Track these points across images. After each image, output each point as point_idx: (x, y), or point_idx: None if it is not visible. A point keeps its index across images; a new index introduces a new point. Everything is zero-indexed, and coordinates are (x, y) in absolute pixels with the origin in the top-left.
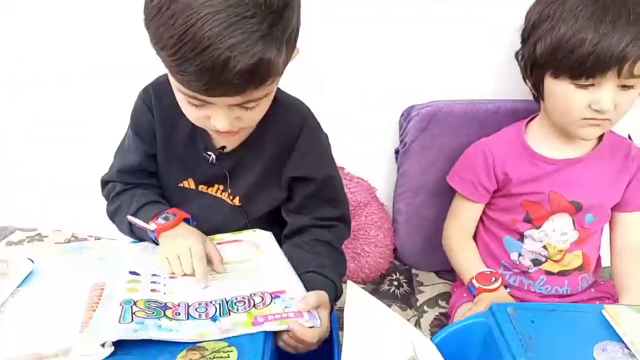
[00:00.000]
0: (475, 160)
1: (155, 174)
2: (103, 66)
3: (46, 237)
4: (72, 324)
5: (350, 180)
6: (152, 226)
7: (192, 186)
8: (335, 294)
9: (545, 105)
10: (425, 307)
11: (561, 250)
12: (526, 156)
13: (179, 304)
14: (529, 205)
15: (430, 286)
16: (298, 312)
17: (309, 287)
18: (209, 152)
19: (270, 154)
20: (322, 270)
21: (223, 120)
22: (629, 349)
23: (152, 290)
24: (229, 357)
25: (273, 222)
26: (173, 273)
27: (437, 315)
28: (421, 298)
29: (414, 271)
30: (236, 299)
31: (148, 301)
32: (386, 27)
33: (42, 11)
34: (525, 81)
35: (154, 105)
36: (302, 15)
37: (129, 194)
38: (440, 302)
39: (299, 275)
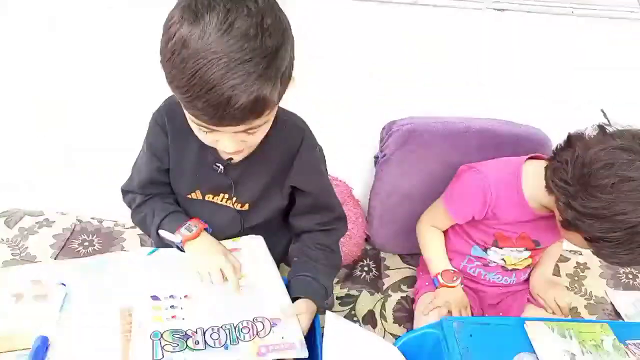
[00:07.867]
0: (474, 196)
1: (169, 183)
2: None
3: (53, 222)
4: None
5: (331, 181)
6: (178, 238)
7: (199, 197)
8: (326, 294)
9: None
10: (389, 292)
11: (515, 263)
12: (518, 203)
13: (196, 330)
14: (500, 236)
15: (395, 270)
16: (291, 344)
17: (301, 290)
18: (217, 164)
19: (274, 166)
20: (315, 275)
21: (230, 145)
22: None
23: (173, 317)
24: None
25: (275, 226)
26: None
27: (399, 300)
28: (387, 282)
29: (382, 254)
30: (242, 324)
31: (172, 332)
32: (375, 42)
33: None
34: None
35: (167, 126)
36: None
37: (150, 206)
38: (402, 286)
39: (297, 277)
